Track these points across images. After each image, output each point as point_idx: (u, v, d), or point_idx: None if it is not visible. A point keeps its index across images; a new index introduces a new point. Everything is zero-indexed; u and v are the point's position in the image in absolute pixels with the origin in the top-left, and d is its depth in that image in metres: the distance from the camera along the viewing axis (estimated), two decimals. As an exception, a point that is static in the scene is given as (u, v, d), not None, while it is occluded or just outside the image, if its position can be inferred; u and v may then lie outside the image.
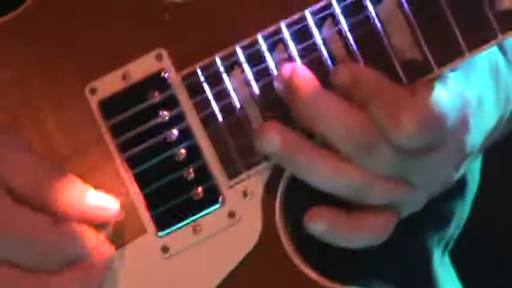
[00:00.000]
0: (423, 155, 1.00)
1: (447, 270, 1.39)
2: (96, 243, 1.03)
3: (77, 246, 1.02)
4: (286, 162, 1.01)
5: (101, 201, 1.03)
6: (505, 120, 1.14)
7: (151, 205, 1.05)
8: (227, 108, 1.03)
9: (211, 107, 1.04)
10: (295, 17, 1.01)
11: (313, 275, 1.02)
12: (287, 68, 1.00)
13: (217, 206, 1.04)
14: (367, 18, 0.99)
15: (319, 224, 1.01)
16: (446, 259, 1.41)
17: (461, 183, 1.35)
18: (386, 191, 1.01)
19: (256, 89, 1.03)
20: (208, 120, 1.04)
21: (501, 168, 2.26)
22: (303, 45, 1.01)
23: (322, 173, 1.00)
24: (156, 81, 1.03)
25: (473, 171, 1.39)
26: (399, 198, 1.04)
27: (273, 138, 0.98)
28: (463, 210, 1.39)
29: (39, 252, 1.00)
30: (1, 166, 1.00)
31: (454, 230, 1.37)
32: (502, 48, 1.13)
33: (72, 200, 1.02)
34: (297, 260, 1.03)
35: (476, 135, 1.05)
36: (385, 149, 0.97)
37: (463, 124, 1.02)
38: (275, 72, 1.02)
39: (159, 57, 1.04)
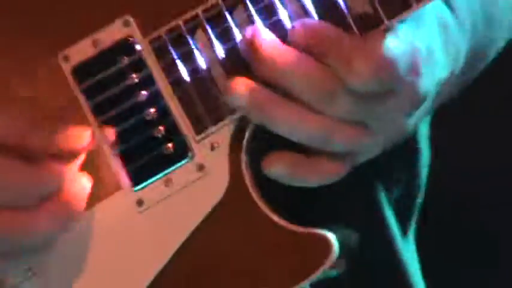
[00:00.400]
0: (379, 100, 1.07)
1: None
2: (68, 177, 1.08)
3: (48, 181, 1.07)
4: (253, 115, 1.08)
5: (71, 131, 1.09)
6: (455, 76, 1.20)
7: (126, 162, 1.11)
8: (194, 70, 1.09)
9: (178, 69, 1.10)
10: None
11: (276, 218, 1.08)
12: (248, 30, 1.06)
13: (186, 160, 1.09)
14: None
15: (280, 166, 1.08)
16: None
17: (412, 149, 1.43)
18: (347, 136, 1.07)
19: (220, 50, 1.09)
20: (175, 81, 1.10)
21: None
22: (261, 4, 1.08)
23: (287, 122, 1.06)
24: (125, 46, 1.09)
25: (422, 141, 1.46)
26: (359, 144, 1.10)
27: (240, 92, 1.04)
28: (412, 179, 1.46)
29: (13, 190, 1.07)
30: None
31: (402, 197, 1.43)
32: (450, 6, 1.19)
33: (43, 135, 1.08)
34: (262, 206, 1.08)
35: (428, 83, 1.11)
36: (344, 96, 1.03)
37: (414, 69, 1.08)
38: (236, 32, 1.08)
39: (126, 24, 1.10)
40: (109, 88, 1.11)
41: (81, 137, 1.08)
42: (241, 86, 1.06)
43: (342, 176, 1.12)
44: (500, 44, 1.40)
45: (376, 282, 1.36)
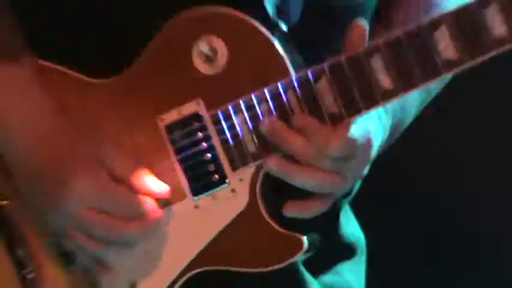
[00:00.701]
0: (349, 161, 1.68)
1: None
2: (153, 207, 1.72)
3: (141, 206, 1.70)
4: (278, 175, 1.72)
5: (157, 186, 1.75)
6: (384, 142, 1.86)
7: (191, 182, 1.80)
8: (235, 135, 1.76)
9: (226, 133, 1.75)
10: (271, 88, 1.73)
11: (274, 225, 1.77)
12: (266, 120, 1.71)
13: (226, 185, 1.78)
14: (313, 90, 1.70)
15: (294, 209, 1.77)
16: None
17: None
18: (333, 183, 1.69)
19: (250, 126, 1.74)
20: (224, 140, 1.77)
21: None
22: (277, 103, 1.71)
23: (300, 179, 1.69)
24: (196, 116, 1.80)
25: None
26: (337, 186, 1.71)
27: (271, 164, 1.72)
28: None
29: (121, 206, 1.68)
30: (108, 160, 1.70)
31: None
32: None
33: (143, 181, 1.72)
34: (266, 217, 1.77)
35: (375, 149, 1.76)
36: (327, 160, 1.66)
37: (368, 143, 1.69)
38: (261, 117, 1.72)
39: (198, 104, 1.76)
40: (186, 138, 1.78)
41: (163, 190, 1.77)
42: (272, 159, 1.72)
43: (326, 209, 1.75)
44: (410, 119, 2.03)
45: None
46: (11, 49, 1.72)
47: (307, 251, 1.77)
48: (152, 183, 1.74)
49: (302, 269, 1.91)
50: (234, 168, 1.77)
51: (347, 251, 2.05)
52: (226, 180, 1.79)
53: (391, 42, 1.62)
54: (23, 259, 1.71)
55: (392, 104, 1.77)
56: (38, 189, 1.69)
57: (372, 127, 1.74)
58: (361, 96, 1.67)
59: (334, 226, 2.03)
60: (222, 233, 1.78)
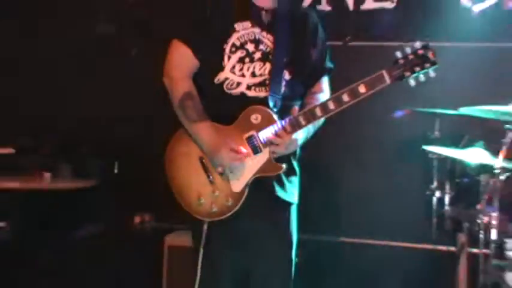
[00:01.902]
0: (293, 144, 3.54)
1: None
2: (241, 157, 3.48)
3: (238, 156, 3.47)
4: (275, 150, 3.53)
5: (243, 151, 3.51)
6: (303, 140, 3.61)
7: (252, 151, 3.52)
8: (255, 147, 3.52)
9: (258, 141, 3.48)
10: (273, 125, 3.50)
11: (276, 163, 3.54)
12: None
13: (261, 152, 3.50)
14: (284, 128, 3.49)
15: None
16: None
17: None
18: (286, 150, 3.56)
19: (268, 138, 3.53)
20: (261, 144, 3.50)
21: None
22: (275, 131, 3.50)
23: (279, 151, 3.54)
24: (253, 135, 3.49)
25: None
26: (289, 151, 3.57)
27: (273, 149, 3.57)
28: None
29: (234, 156, 3.47)
30: (231, 145, 3.46)
31: None
32: None
33: (239, 151, 3.49)
34: (274, 161, 3.53)
35: (299, 142, 3.57)
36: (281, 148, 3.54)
37: (296, 141, 3.52)
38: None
39: (253, 133, 3.47)
40: (253, 142, 3.50)
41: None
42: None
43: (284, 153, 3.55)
44: (312, 133, 3.61)
45: None
46: (203, 114, 3.55)
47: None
48: (241, 151, 3.49)
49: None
50: (260, 150, 3.52)
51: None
52: (260, 151, 3.51)
53: (307, 110, 3.48)
54: (206, 168, 3.55)
55: (308, 127, 3.52)
56: (210, 153, 3.51)
57: (298, 135, 3.52)
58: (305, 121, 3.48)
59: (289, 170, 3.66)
60: (262, 165, 3.50)
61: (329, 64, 3.77)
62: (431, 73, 3.37)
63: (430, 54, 3.37)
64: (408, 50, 3.38)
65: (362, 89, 3.37)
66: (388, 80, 3.37)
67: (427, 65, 3.36)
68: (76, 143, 6.13)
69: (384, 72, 3.36)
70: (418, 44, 3.40)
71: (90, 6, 6.39)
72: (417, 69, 3.36)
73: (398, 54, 3.37)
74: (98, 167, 6.09)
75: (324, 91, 3.70)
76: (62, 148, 6.07)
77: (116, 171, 6.16)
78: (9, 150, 5.96)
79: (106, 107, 6.11)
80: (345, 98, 3.38)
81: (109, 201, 5.97)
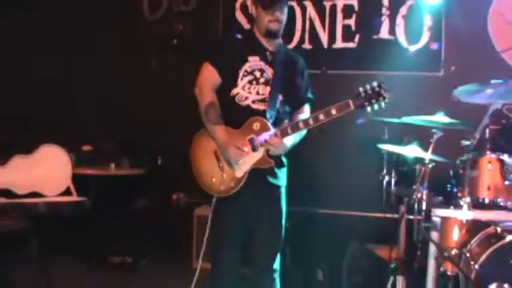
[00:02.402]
0: (281, 146, 3.66)
1: None
2: (242, 153, 3.63)
3: (241, 152, 3.62)
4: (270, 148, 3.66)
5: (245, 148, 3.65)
6: (291, 146, 3.72)
7: (252, 150, 3.66)
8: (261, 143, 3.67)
9: (256, 143, 3.67)
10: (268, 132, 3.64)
11: (269, 159, 3.71)
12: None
13: (257, 151, 3.67)
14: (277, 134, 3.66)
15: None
16: None
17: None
18: (278, 151, 3.71)
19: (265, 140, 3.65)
20: (258, 145, 3.68)
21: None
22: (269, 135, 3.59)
23: (276, 152, 3.70)
24: (252, 138, 3.65)
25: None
26: (279, 152, 3.71)
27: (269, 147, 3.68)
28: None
29: (237, 151, 3.62)
30: (236, 143, 3.62)
31: None
32: None
33: (242, 147, 3.63)
34: (267, 157, 3.68)
35: (288, 147, 3.67)
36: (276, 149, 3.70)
37: (285, 145, 3.67)
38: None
39: (252, 136, 3.66)
40: (253, 143, 3.66)
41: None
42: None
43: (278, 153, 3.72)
44: (297, 140, 3.76)
45: None
46: (220, 119, 3.69)
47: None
48: (244, 149, 3.62)
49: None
50: (258, 149, 3.66)
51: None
52: (257, 150, 3.66)
53: (293, 123, 3.64)
54: (218, 158, 3.72)
55: (294, 135, 3.66)
56: (223, 148, 3.65)
57: (288, 140, 3.67)
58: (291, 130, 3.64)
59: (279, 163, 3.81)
60: (258, 160, 3.66)
61: (310, 95, 3.91)
62: (383, 105, 3.50)
63: (383, 92, 3.48)
64: (368, 86, 3.49)
65: (334, 111, 3.51)
66: (352, 107, 3.50)
67: (381, 98, 3.48)
68: (132, 142, 6.17)
69: (350, 101, 3.50)
70: (375, 83, 3.49)
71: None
72: (373, 101, 3.48)
73: (361, 88, 3.49)
74: (147, 159, 6.16)
75: (305, 113, 3.85)
76: (122, 147, 6.14)
77: (159, 162, 6.24)
78: (88, 148, 6.07)
79: (152, 113, 6.19)
80: (321, 116, 3.53)
81: (155, 184, 6.09)
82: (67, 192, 4.91)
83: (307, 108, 3.90)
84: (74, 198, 4.88)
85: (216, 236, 3.75)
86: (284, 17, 3.74)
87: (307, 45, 6.07)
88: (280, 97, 3.74)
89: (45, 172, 4.93)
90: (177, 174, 5.19)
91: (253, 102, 3.70)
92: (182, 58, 6.12)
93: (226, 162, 3.67)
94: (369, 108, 3.51)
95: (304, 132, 3.71)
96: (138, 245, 5.80)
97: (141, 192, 6.08)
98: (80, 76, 6.34)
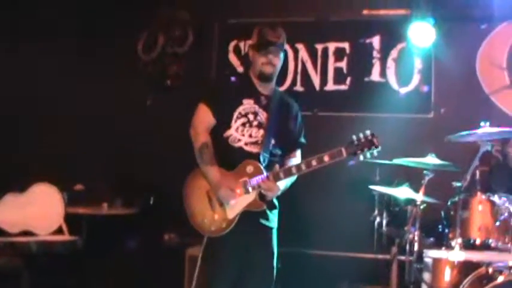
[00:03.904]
0: (274, 191, 3.67)
1: None
2: (235, 195, 3.62)
3: (233, 194, 3.61)
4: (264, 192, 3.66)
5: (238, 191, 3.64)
6: (283, 190, 3.73)
7: (245, 192, 3.65)
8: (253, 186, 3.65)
9: (249, 186, 3.66)
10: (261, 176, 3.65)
11: (260, 202, 3.70)
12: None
13: (249, 193, 3.64)
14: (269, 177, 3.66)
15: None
16: None
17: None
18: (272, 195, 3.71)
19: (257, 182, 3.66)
20: (251, 187, 3.67)
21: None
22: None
23: (268, 195, 3.70)
24: (246, 181, 3.64)
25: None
26: (271, 196, 3.70)
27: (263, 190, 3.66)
28: None
29: (230, 193, 3.62)
30: (229, 185, 3.62)
31: None
32: None
33: (234, 190, 3.63)
34: (258, 200, 3.69)
35: (280, 191, 3.68)
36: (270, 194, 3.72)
37: (277, 188, 3.66)
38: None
39: (245, 180, 3.65)
40: (246, 186, 3.66)
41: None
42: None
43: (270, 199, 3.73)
44: (288, 186, 3.77)
45: None
46: (214, 160, 3.68)
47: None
48: (236, 191, 3.64)
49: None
50: (250, 192, 3.66)
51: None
52: (250, 193, 3.65)
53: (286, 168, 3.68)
54: (211, 198, 3.69)
55: (286, 180, 3.69)
56: (215, 188, 3.64)
57: (281, 183, 3.68)
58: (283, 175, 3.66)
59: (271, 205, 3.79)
60: (250, 202, 3.65)
61: (303, 140, 3.92)
62: (375, 153, 3.53)
63: (375, 140, 3.52)
64: (361, 135, 3.52)
65: (326, 158, 3.54)
66: (344, 155, 3.53)
67: (373, 147, 3.51)
68: (124, 182, 6.16)
69: (342, 149, 3.53)
70: (368, 132, 3.53)
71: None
72: (365, 149, 3.51)
73: (354, 136, 3.52)
74: (139, 199, 6.14)
75: (296, 157, 3.88)
76: (114, 186, 6.14)
77: (151, 202, 6.20)
78: (80, 187, 6.05)
79: (145, 152, 6.13)
80: (313, 163, 3.56)
81: (147, 224, 6.03)
82: (59, 231, 4.90)
83: (298, 153, 3.91)
84: (66, 237, 4.87)
85: (207, 275, 3.73)
86: (278, 62, 3.77)
87: (299, 87, 6.12)
88: (273, 141, 3.76)
89: (38, 211, 4.93)
90: (169, 214, 5.16)
91: (246, 144, 3.71)
92: (176, 98, 6.15)
93: (219, 202, 3.66)
94: (361, 156, 3.53)
95: (294, 177, 3.72)
96: (130, 285, 5.71)
97: (133, 231, 5.99)
98: (73, 115, 6.34)
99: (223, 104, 3.75)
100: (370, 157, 3.55)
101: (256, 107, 3.77)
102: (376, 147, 3.52)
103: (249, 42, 3.91)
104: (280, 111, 3.82)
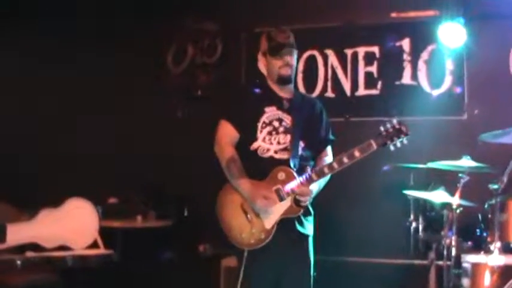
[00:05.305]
0: (308, 195, 3.63)
1: None
2: (269, 204, 3.57)
3: (269, 203, 3.57)
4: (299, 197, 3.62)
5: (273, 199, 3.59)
6: (317, 192, 3.69)
7: (279, 199, 3.60)
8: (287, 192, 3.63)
9: (282, 193, 3.61)
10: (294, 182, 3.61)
11: (297, 208, 3.65)
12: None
13: (285, 200, 3.60)
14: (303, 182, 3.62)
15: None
16: None
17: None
18: (305, 200, 3.66)
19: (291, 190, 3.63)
20: (285, 194, 3.62)
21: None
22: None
23: (303, 200, 3.64)
24: (279, 189, 3.60)
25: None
26: (307, 202, 3.67)
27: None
28: None
29: (266, 202, 3.57)
30: (263, 194, 3.57)
31: None
32: None
33: (268, 198, 3.58)
34: (295, 206, 3.63)
35: (314, 194, 3.66)
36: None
37: (310, 192, 3.63)
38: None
39: (278, 187, 3.61)
40: (280, 193, 3.61)
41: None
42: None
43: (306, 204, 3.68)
44: (322, 186, 3.74)
45: None
46: (243, 172, 3.67)
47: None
48: (271, 199, 3.59)
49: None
50: (285, 199, 3.60)
51: None
52: (284, 200, 3.60)
53: (318, 169, 3.64)
54: (246, 211, 3.64)
55: (319, 181, 3.64)
56: (250, 200, 3.60)
57: (313, 186, 3.64)
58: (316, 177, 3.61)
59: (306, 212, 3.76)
60: (286, 209, 3.61)
61: (331, 137, 3.90)
62: (405, 141, 3.48)
63: (403, 128, 3.48)
64: (388, 125, 3.49)
65: (357, 153, 3.49)
66: (375, 147, 3.48)
67: (402, 135, 3.47)
68: (158, 194, 6.21)
69: (372, 141, 3.48)
70: (395, 121, 3.50)
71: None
72: (395, 139, 3.47)
73: (382, 127, 3.50)
74: (173, 211, 6.18)
75: (328, 155, 3.86)
76: (148, 198, 6.18)
77: (185, 214, 6.24)
78: (114, 200, 6.12)
79: (178, 164, 6.20)
80: (345, 159, 3.51)
81: (181, 235, 6.06)
82: (94, 245, 4.93)
83: (329, 150, 3.90)
84: (101, 251, 4.89)
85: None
86: (294, 61, 3.76)
87: (330, 94, 6.10)
88: (301, 143, 3.73)
89: (73, 225, 4.96)
90: (203, 225, 5.17)
91: (276, 152, 3.69)
92: (207, 109, 6.17)
93: (255, 214, 3.62)
94: (391, 147, 3.50)
95: (328, 177, 3.69)
96: (166, 297, 5.76)
97: (168, 244, 6.03)
98: (105, 128, 6.42)
99: (245, 117, 3.74)
100: (400, 146, 3.50)
101: (280, 112, 3.75)
102: (406, 134, 3.49)
103: (259, 52, 3.86)
104: (304, 112, 3.81)
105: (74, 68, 6.48)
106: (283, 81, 3.77)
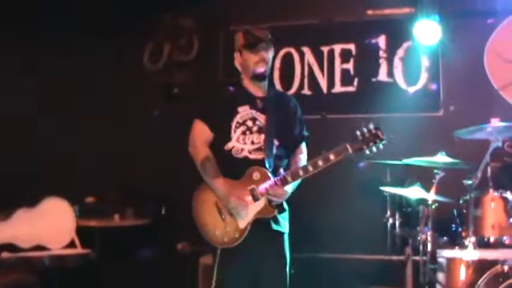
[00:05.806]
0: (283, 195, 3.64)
1: None
2: (243, 202, 3.58)
3: (243, 201, 3.59)
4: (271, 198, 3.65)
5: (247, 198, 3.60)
6: (291, 192, 3.69)
7: (253, 200, 3.60)
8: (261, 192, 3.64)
9: (256, 193, 3.62)
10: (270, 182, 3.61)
11: (271, 208, 3.65)
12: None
13: (259, 200, 3.61)
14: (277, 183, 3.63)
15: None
16: None
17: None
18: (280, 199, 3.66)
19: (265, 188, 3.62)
20: (259, 194, 3.64)
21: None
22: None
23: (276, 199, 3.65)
24: (254, 189, 3.61)
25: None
26: (281, 200, 3.67)
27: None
28: None
29: (240, 202, 3.59)
30: (237, 193, 3.60)
31: None
32: None
33: (243, 197, 3.60)
34: (268, 206, 3.62)
35: (288, 194, 3.65)
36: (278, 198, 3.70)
37: (285, 192, 3.64)
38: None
39: (252, 187, 3.62)
40: (255, 192, 3.63)
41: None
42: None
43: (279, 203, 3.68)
44: (295, 187, 3.72)
45: None
46: (218, 172, 3.68)
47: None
48: (246, 199, 3.60)
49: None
50: (259, 199, 3.62)
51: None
52: (259, 200, 3.61)
53: (293, 171, 3.66)
54: (220, 210, 3.66)
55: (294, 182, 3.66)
56: (225, 199, 3.61)
57: (287, 187, 3.64)
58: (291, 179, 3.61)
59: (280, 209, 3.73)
60: (260, 209, 3.61)
61: (305, 133, 3.90)
62: (381, 146, 3.47)
63: (380, 133, 3.46)
64: (365, 129, 3.47)
65: (332, 156, 3.51)
66: (350, 151, 3.50)
67: (378, 140, 3.46)
68: (135, 193, 6.18)
69: (348, 145, 3.49)
70: (371, 126, 3.47)
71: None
72: (371, 144, 3.46)
73: (358, 132, 3.48)
74: (151, 209, 6.16)
75: (303, 152, 3.86)
76: (126, 197, 6.16)
77: (163, 212, 6.22)
78: (91, 199, 6.07)
79: (155, 163, 6.17)
80: (320, 163, 3.53)
81: (159, 234, 6.06)
82: (72, 244, 4.92)
83: (303, 147, 3.90)
84: (79, 250, 4.89)
85: (223, 286, 3.68)
86: (269, 58, 3.77)
87: (306, 91, 6.12)
88: (276, 142, 3.73)
89: (49, 225, 4.94)
90: (181, 223, 5.16)
91: (250, 152, 3.69)
92: (184, 107, 6.15)
93: (229, 213, 3.63)
94: (367, 151, 3.50)
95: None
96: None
97: (146, 242, 6.02)
98: (81, 128, 6.37)
99: (219, 117, 3.75)
100: (376, 151, 3.51)
101: (253, 111, 3.75)
102: (382, 140, 3.48)
103: (235, 51, 3.85)
104: (278, 110, 3.80)
105: (52, 67, 6.40)
106: (258, 77, 3.77)
